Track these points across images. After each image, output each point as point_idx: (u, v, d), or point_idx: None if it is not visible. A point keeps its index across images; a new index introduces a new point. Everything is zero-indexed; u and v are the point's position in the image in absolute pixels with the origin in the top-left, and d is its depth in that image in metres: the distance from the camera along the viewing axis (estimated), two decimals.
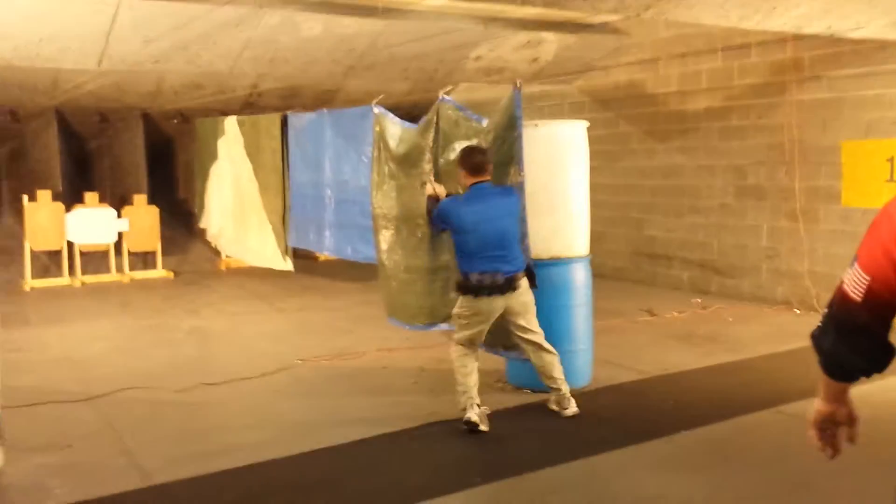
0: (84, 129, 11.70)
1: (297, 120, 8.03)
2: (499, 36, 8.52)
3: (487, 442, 4.42)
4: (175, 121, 11.78)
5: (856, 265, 1.68)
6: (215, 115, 10.74)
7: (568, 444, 4.35)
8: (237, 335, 7.22)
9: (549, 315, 5.03)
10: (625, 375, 5.69)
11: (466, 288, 4.59)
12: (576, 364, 5.29)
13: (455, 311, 4.75)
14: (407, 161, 5.99)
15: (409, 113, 7.15)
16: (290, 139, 8.14)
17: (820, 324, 1.79)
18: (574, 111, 10.41)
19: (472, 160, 4.64)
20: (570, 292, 5.24)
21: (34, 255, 10.37)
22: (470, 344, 4.69)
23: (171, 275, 10.85)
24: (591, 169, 9.62)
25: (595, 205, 10.62)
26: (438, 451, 4.33)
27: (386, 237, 6.15)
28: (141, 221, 10.86)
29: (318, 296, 9.22)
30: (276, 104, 11.31)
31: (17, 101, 10.15)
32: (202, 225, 10.82)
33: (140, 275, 10.77)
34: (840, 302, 1.71)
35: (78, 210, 10.46)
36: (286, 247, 8.50)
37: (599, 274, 10.17)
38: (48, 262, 10.61)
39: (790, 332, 6.84)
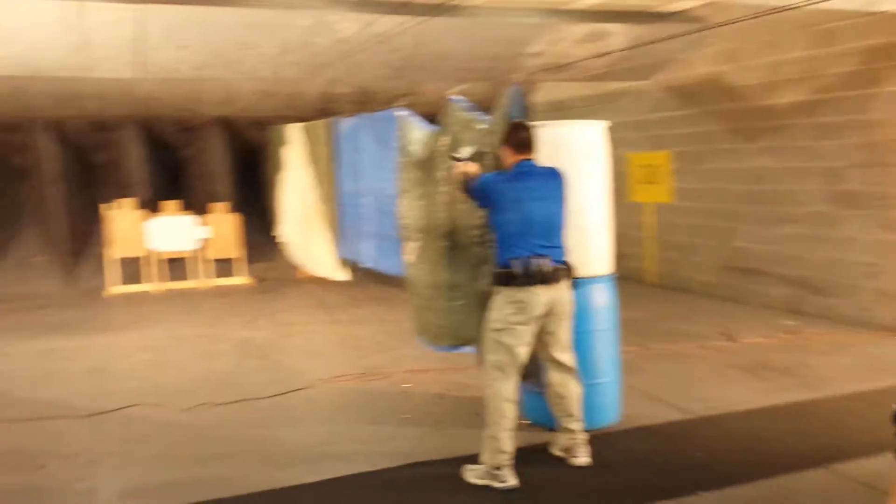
0: (171, 138, 11.94)
1: (342, 125, 7.75)
2: (557, 30, 7.88)
3: (462, 492, 3.88)
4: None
5: None
6: (292, 123, 10.68)
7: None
8: (277, 349, 6.99)
9: None
10: (663, 414, 4.96)
11: (507, 277, 3.93)
12: (596, 400, 4.63)
13: (489, 317, 4.04)
14: (426, 168, 5.54)
15: None
16: (336, 145, 7.88)
17: None
18: (653, 109, 9.58)
19: (517, 136, 4.11)
20: (588, 316, 4.59)
21: (121, 262, 10.67)
22: (512, 365, 3.94)
23: (252, 282, 10.86)
24: (676, 172, 8.71)
25: (680, 212, 9.98)
26: (421, 499, 3.83)
27: (411, 249, 5.72)
28: (223, 229, 10.94)
29: (382, 307, 8.88)
30: (351, 109, 11.10)
31: (96, 111, 10.43)
32: (277, 234, 10.76)
33: (221, 282, 10.84)
34: None
35: (158, 218, 10.65)
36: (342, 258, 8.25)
37: (686, 289, 9.43)
38: (133, 269, 10.87)
39: (883, 366, 5.85)
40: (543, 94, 11.81)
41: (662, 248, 9.70)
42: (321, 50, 7.64)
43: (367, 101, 10.83)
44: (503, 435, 3.93)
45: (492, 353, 4.03)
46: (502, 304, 4.01)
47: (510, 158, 4.14)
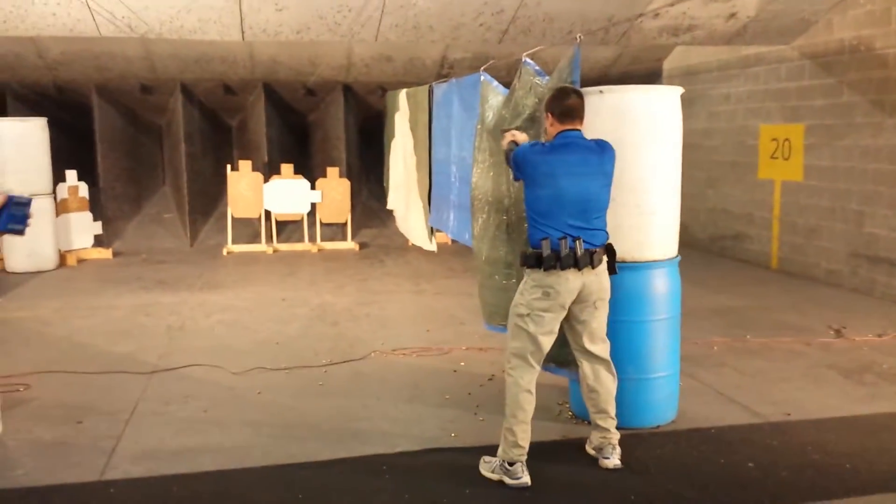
0: (296, 103, 12.12)
1: (438, 90, 7.47)
2: None
3: (469, 486, 3.58)
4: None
5: None
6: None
7: None
8: (351, 316, 6.90)
9: (614, 333, 4.01)
10: (730, 416, 4.41)
11: (535, 259, 3.57)
12: (648, 396, 4.19)
13: (515, 301, 3.70)
14: (494, 136, 5.20)
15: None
16: (432, 111, 7.63)
17: None
18: (791, 77, 8.61)
19: (562, 103, 3.65)
20: (644, 304, 4.12)
21: (241, 222, 11.03)
22: (534, 354, 3.62)
23: (357, 247, 10.91)
24: (808, 148, 7.96)
25: (809, 192, 8.97)
26: (424, 488, 3.58)
27: (478, 222, 5.41)
28: (333, 193, 11.04)
29: (471, 280, 8.60)
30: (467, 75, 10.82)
31: (222, 74, 10.72)
32: (389, 204, 10.71)
33: (329, 245, 10.97)
34: None
35: (274, 181, 10.87)
36: (430, 227, 8.04)
37: (807, 276, 8.48)
38: (252, 230, 11.21)
39: None
40: (673, 58, 11.01)
41: (786, 230, 8.79)
42: (419, 12, 7.39)
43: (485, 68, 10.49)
44: (519, 428, 3.58)
45: (514, 340, 3.68)
46: (529, 287, 3.64)
47: (553, 128, 3.73)
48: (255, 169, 11.10)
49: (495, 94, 5.53)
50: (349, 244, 10.99)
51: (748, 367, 5.29)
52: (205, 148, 11.96)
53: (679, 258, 4.29)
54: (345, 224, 11.16)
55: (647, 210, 4.05)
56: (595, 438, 3.83)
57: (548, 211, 3.58)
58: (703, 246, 10.40)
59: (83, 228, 10.24)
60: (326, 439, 4.12)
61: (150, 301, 7.62)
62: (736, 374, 5.16)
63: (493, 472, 3.63)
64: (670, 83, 11.16)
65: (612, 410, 3.79)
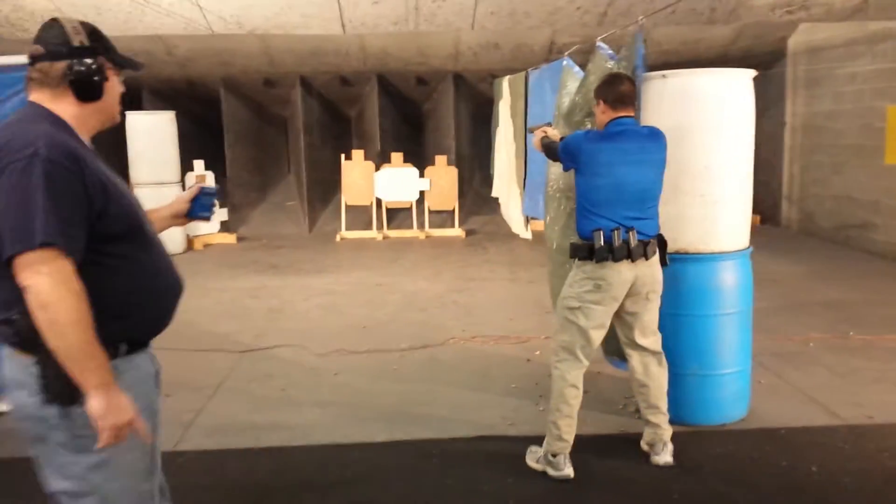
0: (411, 93, 12.34)
1: (532, 77, 7.43)
2: None
3: (512, 475, 3.59)
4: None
5: None
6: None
7: None
8: (440, 303, 7.01)
9: (677, 327, 3.91)
10: (806, 416, 4.18)
11: (587, 250, 3.48)
12: (715, 393, 4.04)
13: (564, 292, 3.64)
14: (568, 122, 5.13)
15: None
16: (528, 98, 7.59)
17: None
18: None
19: (615, 89, 3.56)
20: (712, 298, 3.97)
21: (354, 209, 11.41)
22: (583, 348, 3.55)
23: (464, 234, 11.02)
24: None
25: None
26: (468, 474, 3.64)
27: (550, 210, 5.37)
28: (441, 181, 11.20)
29: None
30: (580, 60, 10.65)
31: (337, 67, 11.07)
32: (493, 192, 10.75)
33: (437, 232, 11.14)
34: None
35: (385, 169, 11.15)
36: (525, 215, 8.03)
37: None
38: (365, 217, 11.55)
39: None
40: (798, 36, 10.38)
41: None
42: None
43: (594, 52, 10.30)
44: (563, 422, 3.55)
45: (562, 333, 3.64)
46: (580, 279, 3.58)
47: (604, 115, 3.63)
48: (368, 158, 11.42)
49: (574, 80, 5.47)
50: (457, 231, 11.12)
51: (841, 366, 4.98)
52: (324, 138, 12.41)
53: (751, 250, 4.09)
54: (452, 211, 11.30)
55: (711, 199, 3.89)
56: (647, 434, 3.74)
57: (605, 200, 3.50)
58: (827, 235, 9.79)
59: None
60: (387, 421, 4.24)
61: (259, 284, 8.03)
62: (826, 372, 4.87)
63: (537, 462, 3.63)
64: (795, 62, 10.53)
65: (664, 406, 3.69)
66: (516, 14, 7.57)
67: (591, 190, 3.55)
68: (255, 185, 12.64)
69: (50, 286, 1.73)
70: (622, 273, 3.49)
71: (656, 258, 3.59)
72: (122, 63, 2.05)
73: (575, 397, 3.57)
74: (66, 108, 1.94)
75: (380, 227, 11.23)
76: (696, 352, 3.98)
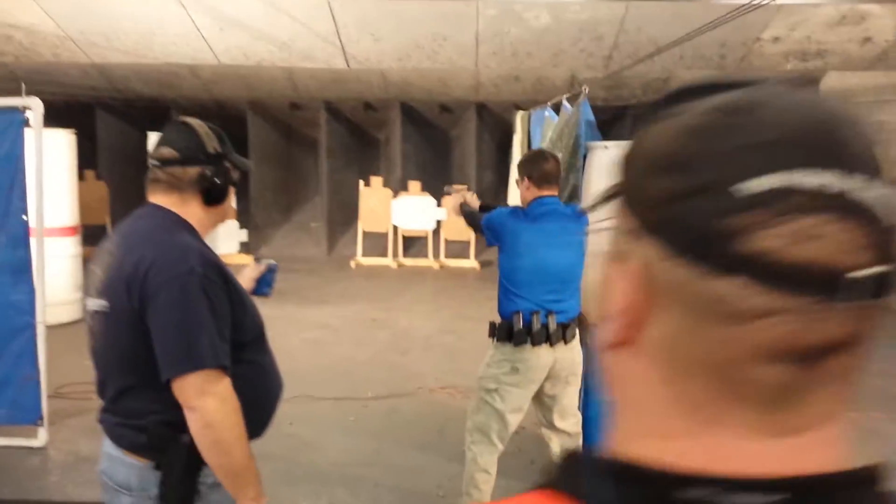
0: (435, 120, 12.35)
1: (534, 116, 7.35)
2: (796, 12, 6.57)
3: None
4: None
5: None
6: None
7: None
8: (426, 345, 6.95)
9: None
10: None
11: (506, 332, 3.40)
12: None
13: (482, 372, 3.55)
14: None
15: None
16: (530, 135, 7.51)
17: None
18: None
19: (539, 167, 3.45)
20: None
21: (370, 234, 11.44)
22: (499, 432, 3.44)
23: (479, 266, 10.94)
24: None
25: None
26: None
27: None
28: None
29: None
30: (603, 95, 10.51)
31: (359, 94, 11.14)
32: None
33: (452, 263, 11.10)
34: None
35: (402, 197, 11.16)
36: None
37: None
38: (382, 244, 11.58)
39: None
40: (829, 80, 10.04)
41: None
42: (514, 39, 7.29)
43: (617, 87, 10.16)
44: None
45: (478, 413, 3.54)
46: (498, 360, 3.48)
47: (528, 192, 3.51)
48: (390, 184, 11.45)
49: (550, 130, 5.39)
50: (471, 262, 11.05)
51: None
52: (348, 161, 12.50)
53: None
54: (468, 242, 11.23)
55: None
56: None
57: (526, 282, 3.39)
58: None
59: (229, 235, 11.06)
60: (318, 484, 4.19)
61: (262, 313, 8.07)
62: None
63: None
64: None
65: None
66: (519, 55, 7.52)
67: (513, 270, 3.44)
68: (280, 206, 12.80)
69: (216, 406, 1.76)
70: (541, 357, 3.38)
71: (576, 341, 3.47)
72: (239, 166, 2.05)
73: (486, 482, 3.47)
74: (192, 211, 1.94)
75: (395, 255, 11.23)
76: None
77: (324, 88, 11.06)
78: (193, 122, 1.97)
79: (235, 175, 2.02)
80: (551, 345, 3.36)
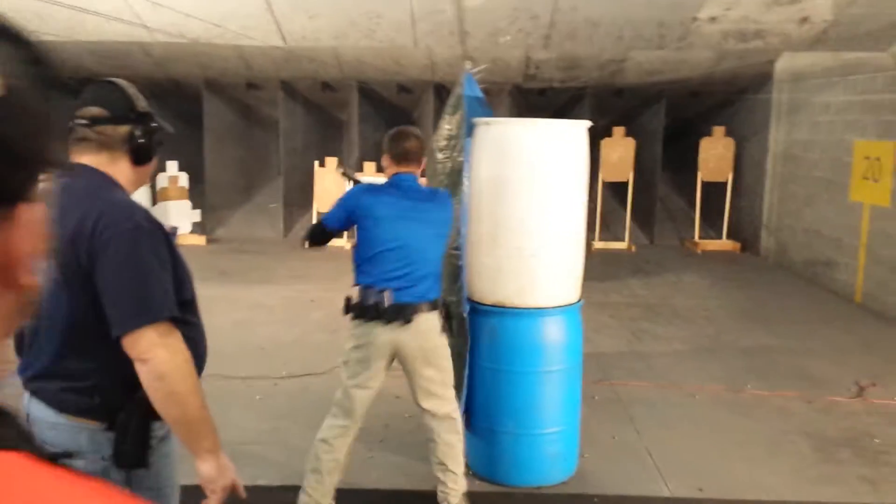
0: (394, 100, 12.25)
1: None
2: None
3: None
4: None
5: None
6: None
7: None
8: None
9: (494, 382, 3.77)
10: (632, 484, 3.97)
11: (347, 306, 3.41)
12: (532, 454, 3.88)
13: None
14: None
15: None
16: None
17: None
18: (888, 88, 7.53)
19: (399, 145, 3.44)
20: (527, 354, 3.80)
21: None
22: (340, 404, 3.45)
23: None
24: None
25: None
26: None
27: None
28: None
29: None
30: (559, 76, 10.45)
31: (314, 73, 11.03)
32: None
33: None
34: None
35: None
36: None
37: (893, 318, 7.33)
38: None
39: None
40: (784, 60, 9.99)
41: (872, 261, 7.74)
42: (450, 17, 7.22)
43: (572, 68, 10.10)
44: (310, 477, 3.46)
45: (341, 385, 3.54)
46: (348, 335, 3.48)
47: (389, 169, 3.51)
48: (347, 164, 11.37)
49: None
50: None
51: (714, 425, 4.74)
52: (306, 142, 12.39)
53: (580, 304, 3.90)
54: None
55: (528, 253, 3.72)
56: (438, 492, 3.60)
57: (370, 256, 3.37)
58: (797, 270, 9.41)
59: (180, 214, 10.97)
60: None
61: (201, 293, 8.02)
62: (692, 431, 4.64)
63: None
64: (780, 86, 10.13)
65: (454, 465, 3.53)
66: (456, 33, 7.44)
67: (361, 243, 3.44)
68: (238, 187, 12.70)
69: (168, 357, 1.77)
70: (378, 335, 3.35)
71: (428, 326, 3.41)
72: (162, 127, 2.03)
73: (327, 452, 3.45)
74: (121, 171, 1.93)
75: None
76: (512, 409, 3.82)
77: (279, 68, 10.94)
78: (120, 81, 1.95)
79: (161, 136, 2.01)
80: (386, 323, 3.31)
